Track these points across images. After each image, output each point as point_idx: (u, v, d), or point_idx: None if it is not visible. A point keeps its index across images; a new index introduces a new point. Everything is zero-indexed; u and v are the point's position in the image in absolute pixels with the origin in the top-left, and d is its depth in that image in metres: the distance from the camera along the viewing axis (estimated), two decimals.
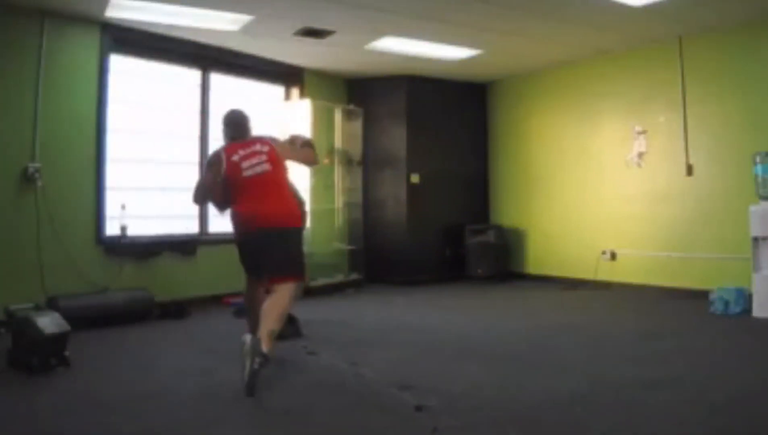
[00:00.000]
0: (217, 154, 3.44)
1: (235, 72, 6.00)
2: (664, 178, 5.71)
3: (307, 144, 3.72)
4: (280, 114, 6.32)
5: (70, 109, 4.75)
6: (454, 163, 7.22)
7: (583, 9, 4.81)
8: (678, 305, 5.07)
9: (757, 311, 4.45)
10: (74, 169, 4.77)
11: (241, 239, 3.38)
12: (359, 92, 6.97)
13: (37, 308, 3.53)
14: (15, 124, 4.46)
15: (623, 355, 3.50)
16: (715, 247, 5.26)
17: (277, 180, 3.38)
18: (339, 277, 6.41)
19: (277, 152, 3.42)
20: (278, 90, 6.52)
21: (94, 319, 4.32)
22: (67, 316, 3.39)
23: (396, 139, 6.92)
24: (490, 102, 7.52)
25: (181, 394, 2.86)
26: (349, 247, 6.72)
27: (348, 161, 6.82)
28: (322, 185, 6.36)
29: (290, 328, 4.04)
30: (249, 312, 3.59)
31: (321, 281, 6.11)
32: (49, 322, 3.21)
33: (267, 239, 3.23)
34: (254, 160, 3.32)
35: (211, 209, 5.66)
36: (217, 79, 5.84)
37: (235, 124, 3.55)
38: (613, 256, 6.11)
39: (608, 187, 6.20)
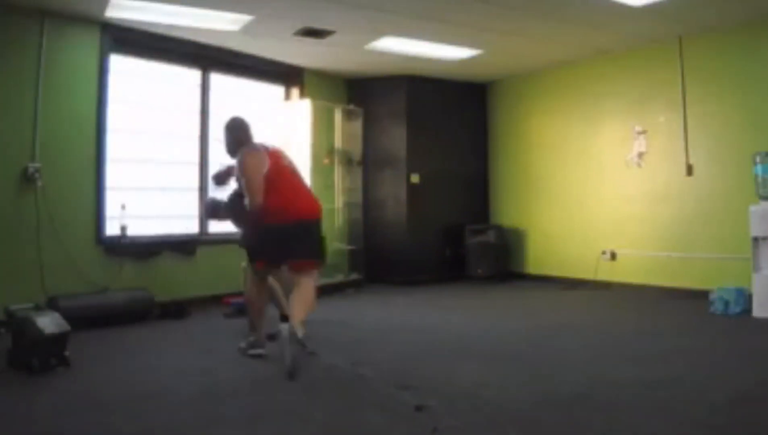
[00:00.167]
0: (257, 150, 3.57)
1: (235, 72, 6.00)
2: (664, 178, 5.71)
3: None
4: (280, 114, 6.32)
5: (70, 109, 4.75)
6: (454, 163, 7.22)
7: (583, 9, 4.81)
8: (678, 305, 5.07)
9: (757, 311, 4.45)
10: (74, 169, 4.77)
11: (272, 228, 3.46)
12: (359, 92, 6.97)
13: (37, 308, 3.53)
14: (15, 124, 4.47)
15: (623, 354, 3.50)
16: (715, 247, 5.26)
17: (301, 178, 3.73)
18: (339, 277, 6.40)
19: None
20: (278, 90, 6.52)
21: (94, 319, 4.33)
22: (67, 316, 3.39)
23: (396, 139, 6.92)
24: (490, 102, 7.52)
25: (181, 394, 2.86)
26: (349, 247, 6.72)
27: (348, 161, 6.82)
28: (322, 185, 6.34)
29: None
30: (251, 309, 3.62)
31: (321, 281, 6.09)
32: (49, 322, 3.21)
33: (302, 229, 3.51)
34: (287, 159, 3.66)
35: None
36: (217, 79, 5.84)
37: (248, 128, 3.72)
38: (613, 256, 6.12)
39: (608, 187, 6.20)
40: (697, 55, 5.46)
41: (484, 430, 2.37)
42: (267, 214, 3.44)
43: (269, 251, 3.52)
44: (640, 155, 5.92)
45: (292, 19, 4.95)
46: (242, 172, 3.49)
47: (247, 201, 3.49)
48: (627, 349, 3.63)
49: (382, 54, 5.95)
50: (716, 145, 5.34)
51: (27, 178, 4.46)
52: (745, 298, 4.60)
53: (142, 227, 5.16)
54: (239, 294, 4.40)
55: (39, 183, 4.49)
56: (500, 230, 7.02)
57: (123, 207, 4.98)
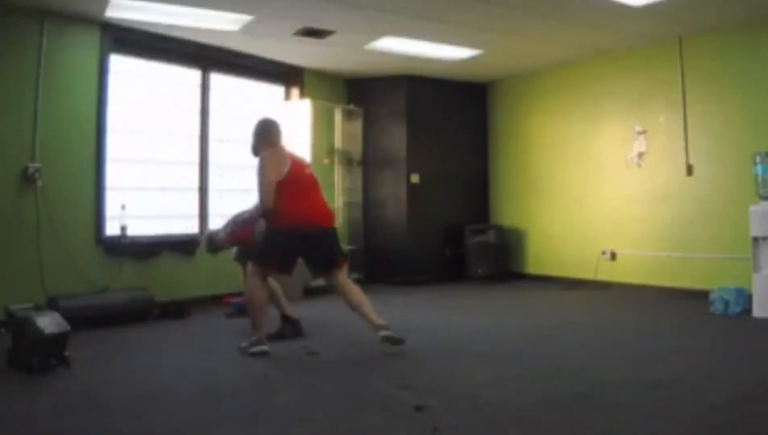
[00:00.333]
0: (278, 153, 3.68)
1: (235, 72, 6.00)
2: (664, 178, 5.71)
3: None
4: (280, 114, 6.30)
5: (70, 109, 4.75)
6: (454, 163, 7.22)
7: (583, 9, 4.81)
8: (678, 305, 5.07)
9: (757, 311, 4.45)
10: (74, 169, 4.77)
11: (290, 235, 3.58)
12: (359, 92, 6.97)
13: (37, 308, 3.52)
14: (15, 124, 4.47)
15: (623, 354, 3.50)
16: (715, 247, 5.26)
17: (320, 190, 3.90)
18: None
19: None
20: (278, 90, 6.51)
21: (94, 319, 4.33)
22: (67, 316, 3.39)
23: (396, 139, 6.92)
24: (490, 102, 7.52)
25: (181, 394, 2.86)
26: (349, 247, 6.71)
27: (348, 161, 6.83)
28: (322, 185, 6.31)
29: (291, 328, 4.04)
30: (252, 307, 3.62)
31: (321, 281, 6.08)
32: (49, 322, 3.21)
33: (321, 236, 3.70)
34: (310, 169, 3.87)
35: (212, 209, 5.72)
36: (217, 79, 5.83)
37: (274, 132, 3.83)
38: (613, 256, 6.12)
39: (608, 187, 6.20)
40: (697, 55, 5.46)
41: (484, 430, 2.37)
42: (288, 220, 3.56)
43: (280, 257, 3.61)
44: (640, 155, 5.91)
45: (292, 19, 4.95)
46: (258, 170, 3.60)
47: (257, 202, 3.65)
48: (627, 349, 3.63)
49: (382, 54, 5.95)
50: (716, 145, 5.34)
51: (27, 178, 4.46)
52: (745, 298, 4.60)
53: (142, 227, 5.17)
54: (239, 294, 4.41)
55: (39, 183, 4.49)
56: (500, 230, 7.02)
57: (123, 207, 4.99)
